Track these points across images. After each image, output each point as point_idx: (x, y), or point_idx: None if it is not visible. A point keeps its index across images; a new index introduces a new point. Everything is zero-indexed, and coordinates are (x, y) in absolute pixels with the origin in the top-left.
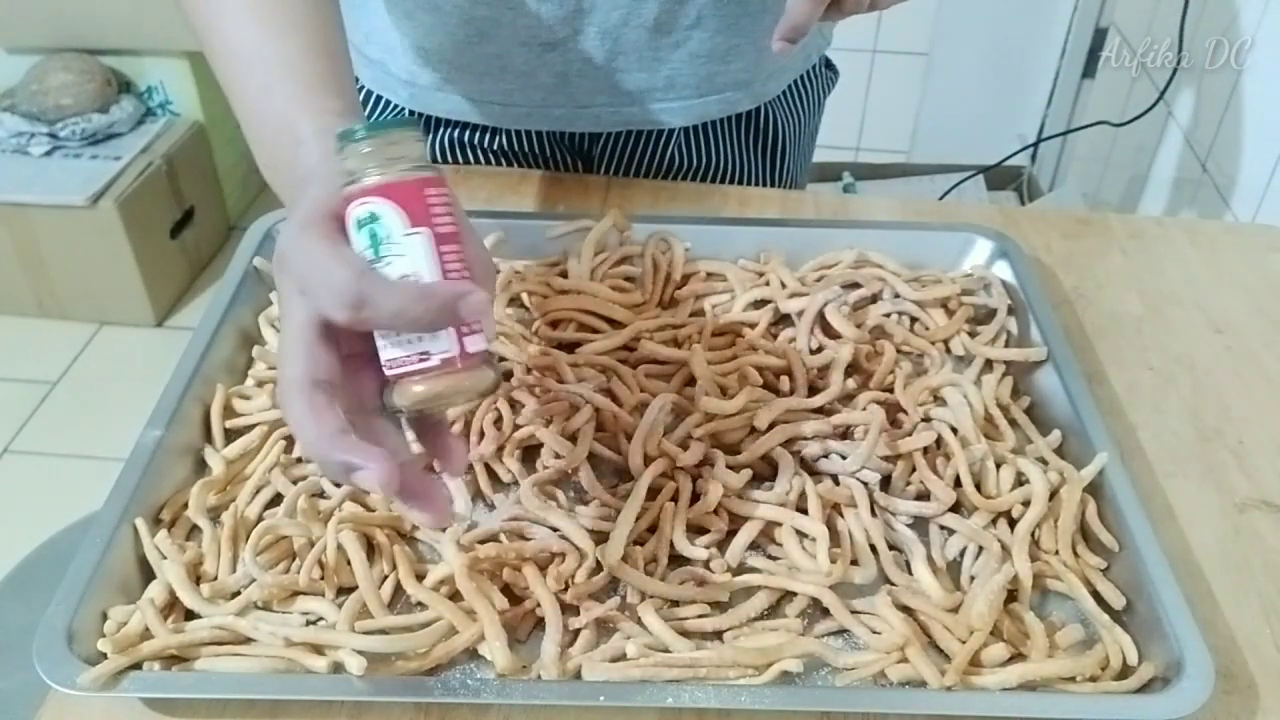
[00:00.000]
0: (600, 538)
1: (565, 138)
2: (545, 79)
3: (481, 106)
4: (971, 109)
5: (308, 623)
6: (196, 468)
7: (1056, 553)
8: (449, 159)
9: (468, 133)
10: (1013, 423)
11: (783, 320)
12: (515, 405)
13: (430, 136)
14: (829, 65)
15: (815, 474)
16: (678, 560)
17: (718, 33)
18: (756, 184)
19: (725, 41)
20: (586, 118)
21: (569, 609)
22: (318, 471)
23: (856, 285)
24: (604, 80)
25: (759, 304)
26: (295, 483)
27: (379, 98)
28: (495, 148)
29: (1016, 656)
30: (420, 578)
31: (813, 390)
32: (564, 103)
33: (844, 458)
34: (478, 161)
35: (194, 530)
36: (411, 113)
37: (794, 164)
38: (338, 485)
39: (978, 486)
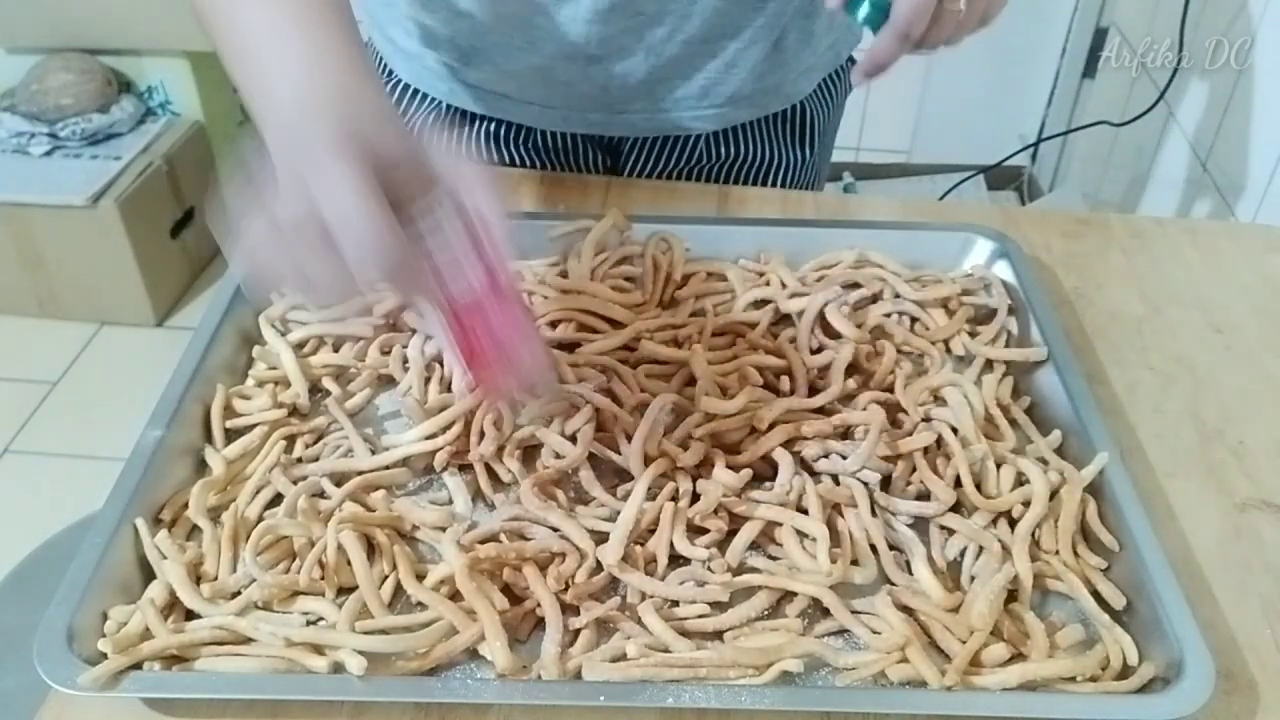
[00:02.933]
0: (600, 538)
1: (599, 138)
2: (586, 89)
3: (520, 107)
4: (971, 109)
5: (308, 623)
6: (197, 468)
7: (1057, 553)
8: (481, 155)
9: (503, 129)
10: (1013, 423)
11: (783, 320)
12: (515, 405)
13: (463, 131)
14: (853, 60)
15: (815, 474)
16: (678, 560)
17: (753, 43)
18: (791, 176)
19: (760, 52)
20: (621, 124)
21: (569, 609)
22: (318, 472)
23: (857, 285)
24: (643, 90)
25: (759, 304)
26: (295, 483)
27: (415, 91)
28: (530, 145)
29: (1017, 656)
30: (420, 578)
31: (813, 390)
32: (601, 109)
33: (844, 458)
34: (511, 159)
35: (194, 530)
36: (449, 107)
37: (821, 157)
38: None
39: (978, 486)
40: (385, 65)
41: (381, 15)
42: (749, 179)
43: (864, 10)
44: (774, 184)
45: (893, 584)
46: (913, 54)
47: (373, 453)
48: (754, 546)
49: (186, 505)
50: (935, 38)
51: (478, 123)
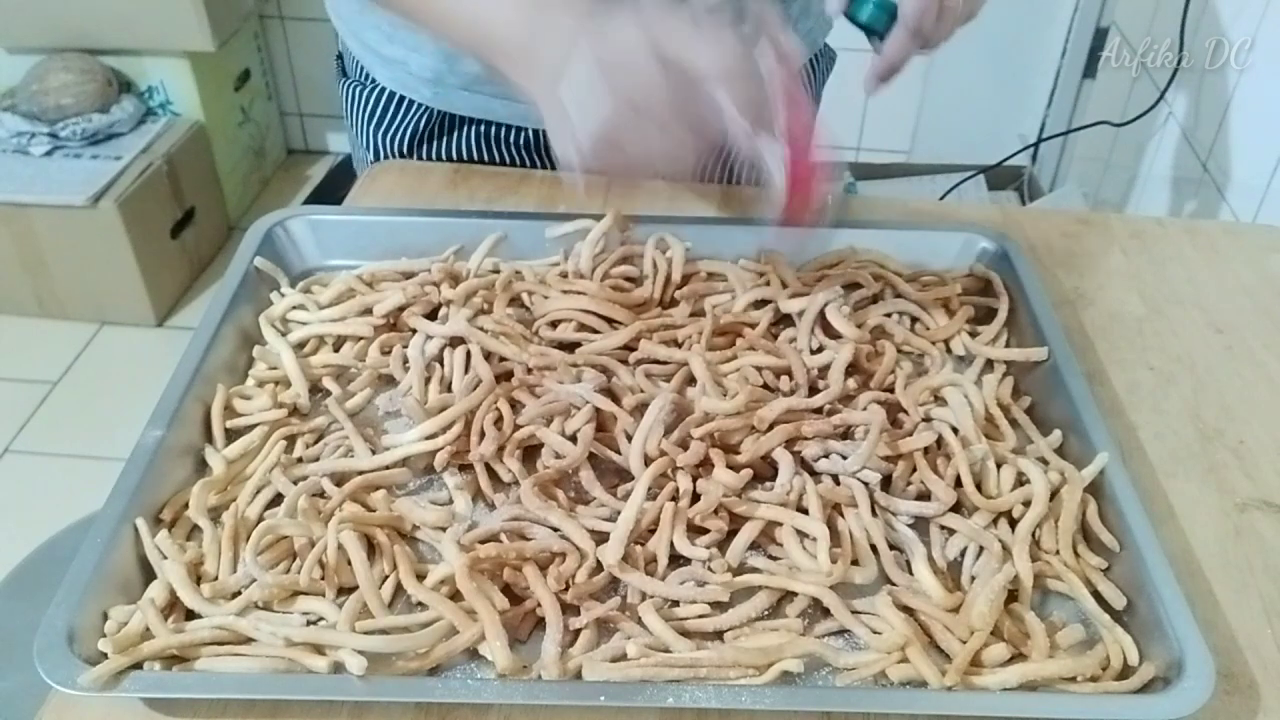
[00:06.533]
0: (600, 538)
1: None
2: None
3: (508, 105)
4: (972, 109)
5: (308, 623)
6: (197, 468)
7: (1057, 553)
8: (474, 157)
9: (493, 130)
10: (1013, 423)
11: (783, 320)
12: (515, 405)
13: (454, 134)
14: (827, 48)
15: (815, 474)
16: (678, 560)
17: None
18: None
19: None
20: None
21: (569, 609)
22: (318, 472)
23: (857, 285)
24: None
25: (759, 304)
26: (295, 483)
27: (401, 98)
28: (520, 143)
29: (1017, 656)
30: (421, 578)
31: (813, 390)
32: None
33: (844, 458)
34: (503, 159)
35: (194, 530)
36: (436, 112)
37: None
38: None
39: (978, 486)
40: (366, 73)
41: (357, 21)
42: (732, 171)
43: (868, 10)
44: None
45: (893, 584)
46: (920, 53)
47: (373, 453)
48: (754, 546)
49: (186, 505)
50: (941, 33)
51: (467, 126)
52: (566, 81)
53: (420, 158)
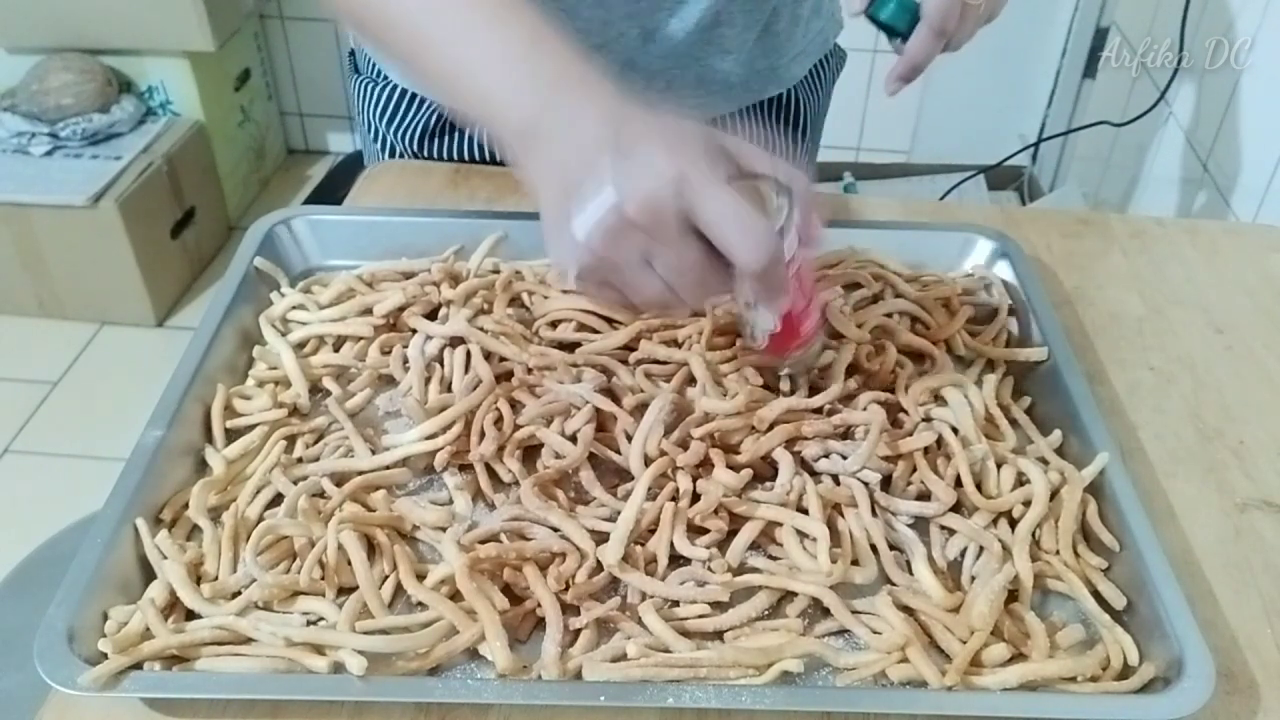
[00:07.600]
0: (600, 538)
1: None
2: None
3: None
4: (972, 109)
5: (308, 623)
6: (197, 468)
7: (1057, 553)
8: (484, 155)
9: None
10: (1013, 423)
11: None
12: (515, 405)
13: (465, 130)
14: (837, 48)
15: (815, 474)
16: (678, 560)
17: (747, 29)
18: None
19: (753, 37)
20: None
21: (569, 609)
22: (318, 472)
23: (857, 285)
24: (644, 79)
25: None
26: (295, 483)
27: (413, 95)
28: None
29: (1017, 656)
30: (421, 578)
31: (813, 390)
32: None
33: (844, 458)
34: None
35: (194, 530)
36: (448, 109)
37: (812, 146)
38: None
39: (978, 486)
40: (378, 70)
41: None
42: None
43: (889, 10)
44: None
45: (893, 584)
46: (943, 52)
47: (373, 453)
48: (754, 546)
49: (186, 505)
50: (963, 33)
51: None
52: (578, 197)
53: (431, 154)
